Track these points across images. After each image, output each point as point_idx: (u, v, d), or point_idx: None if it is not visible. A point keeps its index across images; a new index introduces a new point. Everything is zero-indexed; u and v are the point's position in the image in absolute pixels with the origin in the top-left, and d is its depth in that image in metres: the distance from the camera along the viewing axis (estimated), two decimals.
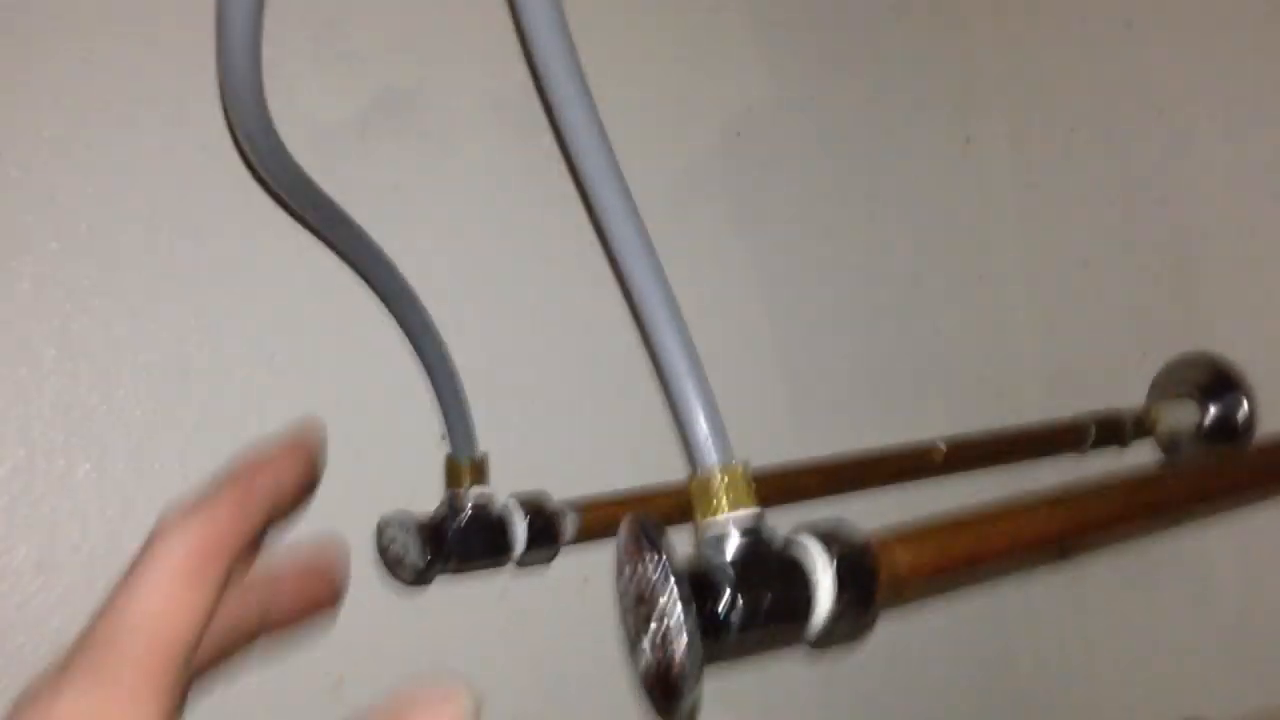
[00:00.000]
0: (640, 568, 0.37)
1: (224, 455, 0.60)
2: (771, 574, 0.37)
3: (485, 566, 0.59)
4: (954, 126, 0.93)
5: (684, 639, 0.35)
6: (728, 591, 0.37)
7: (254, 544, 0.37)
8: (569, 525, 0.60)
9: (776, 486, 0.67)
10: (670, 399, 0.38)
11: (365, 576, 0.61)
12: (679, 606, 0.35)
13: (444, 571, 0.57)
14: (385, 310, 0.59)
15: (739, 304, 0.81)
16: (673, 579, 0.36)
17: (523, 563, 0.60)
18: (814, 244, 0.85)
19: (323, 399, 0.63)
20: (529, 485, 0.61)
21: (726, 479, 0.38)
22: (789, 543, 0.39)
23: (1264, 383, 0.79)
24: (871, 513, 0.78)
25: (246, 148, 0.44)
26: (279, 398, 0.62)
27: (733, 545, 0.38)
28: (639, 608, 0.37)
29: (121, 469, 0.57)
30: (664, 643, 0.36)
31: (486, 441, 0.60)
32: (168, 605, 0.31)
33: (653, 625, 0.36)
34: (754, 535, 0.38)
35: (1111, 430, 0.78)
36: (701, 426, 0.38)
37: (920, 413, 0.87)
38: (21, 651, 0.53)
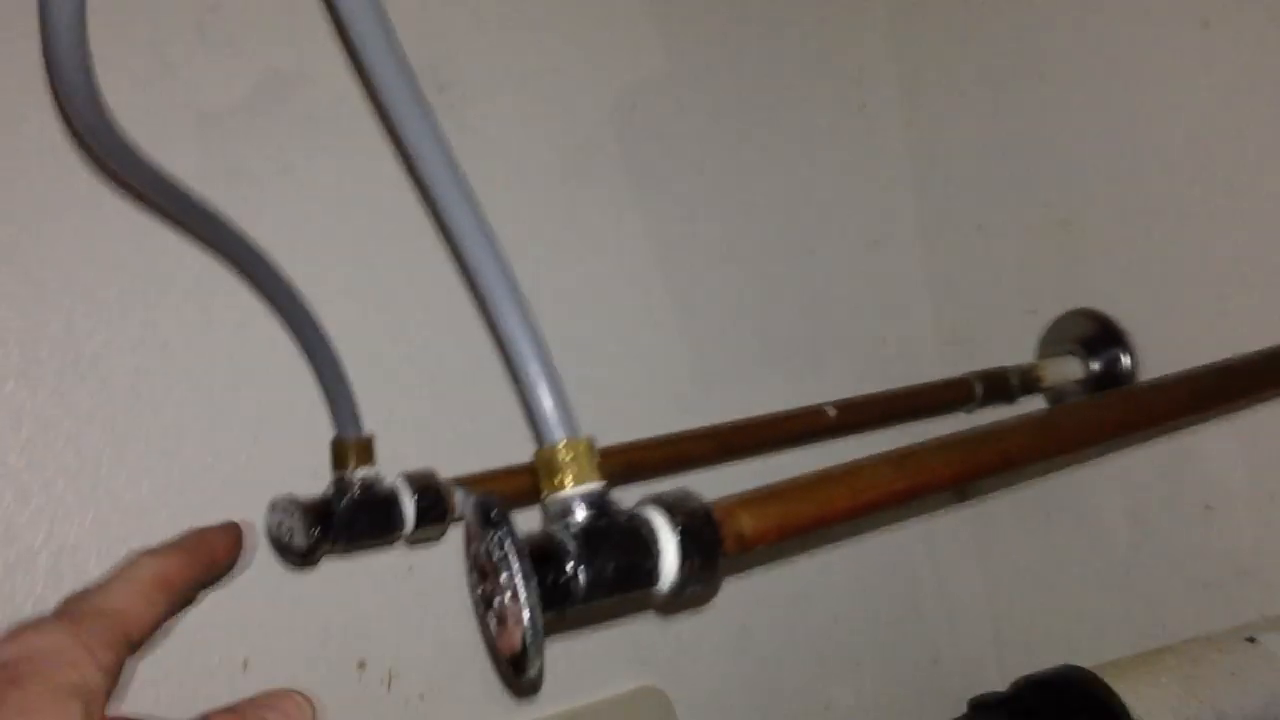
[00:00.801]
0: (484, 544, 0.38)
1: (112, 440, 0.61)
2: (615, 544, 0.39)
3: (375, 545, 0.60)
4: (848, 94, 0.94)
5: (526, 612, 0.36)
6: (570, 564, 0.38)
7: (191, 592, 0.47)
8: (458, 501, 0.62)
9: (668, 455, 0.69)
10: (515, 376, 0.39)
11: (269, 560, 0.62)
12: (520, 580, 0.37)
13: (331, 552, 0.58)
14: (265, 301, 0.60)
15: (637, 276, 0.82)
16: (514, 554, 0.37)
17: (413, 540, 0.61)
18: (710, 213, 0.86)
19: (214, 386, 0.64)
20: (418, 465, 0.62)
21: (571, 454, 0.40)
22: (633, 514, 0.40)
23: (1145, 337, 0.82)
24: (763, 478, 0.81)
25: (94, 145, 0.44)
26: (171, 387, 0.62)
27: (578, 518, 0.39)
28: (484, 583, 0.38)
29: (13, 460, 0.57)
30: (508, 615, 0.37)
31: (376, 426, 0.61)
32: (134, 605, 0.43)
33: (496, 599, 0.38)
34: (599, 508, 0.40)
35: (998, 387, 0.80)
36: (546, 402, 0.40)
37: (819, 378, 0.89)
38: None
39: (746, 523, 0.42)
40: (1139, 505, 0.84)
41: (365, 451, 0.60)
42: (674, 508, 0.41)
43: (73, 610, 0.41)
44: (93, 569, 0.57)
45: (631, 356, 0.82)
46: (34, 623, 0.40)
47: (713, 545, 0.40)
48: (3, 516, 0.57)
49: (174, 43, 0.64)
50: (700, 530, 0.40)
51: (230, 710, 0.41)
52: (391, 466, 0.61)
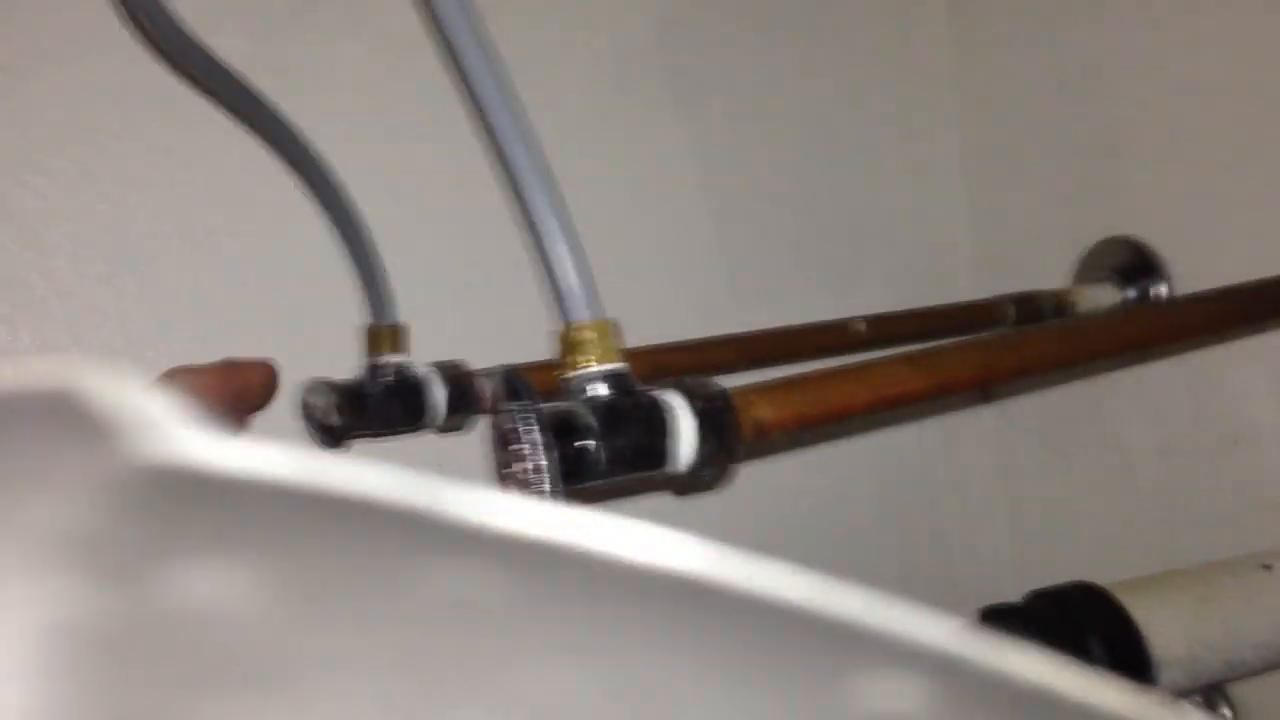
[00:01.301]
0: (508, 414, 0.39)
1: (159, 321, 0.62)
2: (635, 422, 0.40)
3: (404, 431, 0.62)
4: (895, 16, 0.93)
5: (546, 482, 0.38)
6: (590, 438, 0.39)
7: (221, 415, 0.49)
8: (489, 391, 0.63)
9: (693, 360, 0.70)
10: (541, 254, 0.40)
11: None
12: (542, 450, 0.38)
13: (363, 435, 0.60)
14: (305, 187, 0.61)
15: (677, 184, 0.82)
16: (536, 424, 0.38)
17: (443, 428, 0.63)
18: (752, 126, 0.86)
19: (255, 273, 0.65)
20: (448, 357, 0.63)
21: (594, 333, 0.40)
22: (653, 395, 0.41)
23: (1182, 266, 0.81)
24: None
25: (149, 27, 0.45)
26: (212, 271, 0.64)
27: (599, 395, 0.40)
28: (506, 450, 0.40)
29: (63, 340, 0.59)
30: (529, 485, 0.39)
31: (408, 316, 0.62)
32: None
33: (517, 468, 0.39)
34: (619, 387, 0.41)
35: (1031, 310, 0.80)
36: (572, 280, 0.40)
37: (853, 295, 0.89)
38: None
39: (765, 410, 0.43)
40: (1166, 435, 0.84)
41: (397, 339, 0.61)
42: (693, 391, 0.41)
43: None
44: None
45: (667, 263, 0.82)
46: None
47: (730, 429, 0.41)
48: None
49: None
50: (718, 414, 0.41)
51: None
52: (421, 357, 0.62)
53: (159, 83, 0.61)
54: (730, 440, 0.41)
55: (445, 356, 0.63)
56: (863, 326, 0.75)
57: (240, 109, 0.56)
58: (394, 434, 0.61)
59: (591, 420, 0.39)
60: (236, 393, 0.49)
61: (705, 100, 0.84)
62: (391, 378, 0.60)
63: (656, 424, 0.40)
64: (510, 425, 0.39)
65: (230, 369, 0.50)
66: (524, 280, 0.72)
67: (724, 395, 0.42)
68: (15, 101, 0.59)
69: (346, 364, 0.61)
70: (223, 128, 0.63)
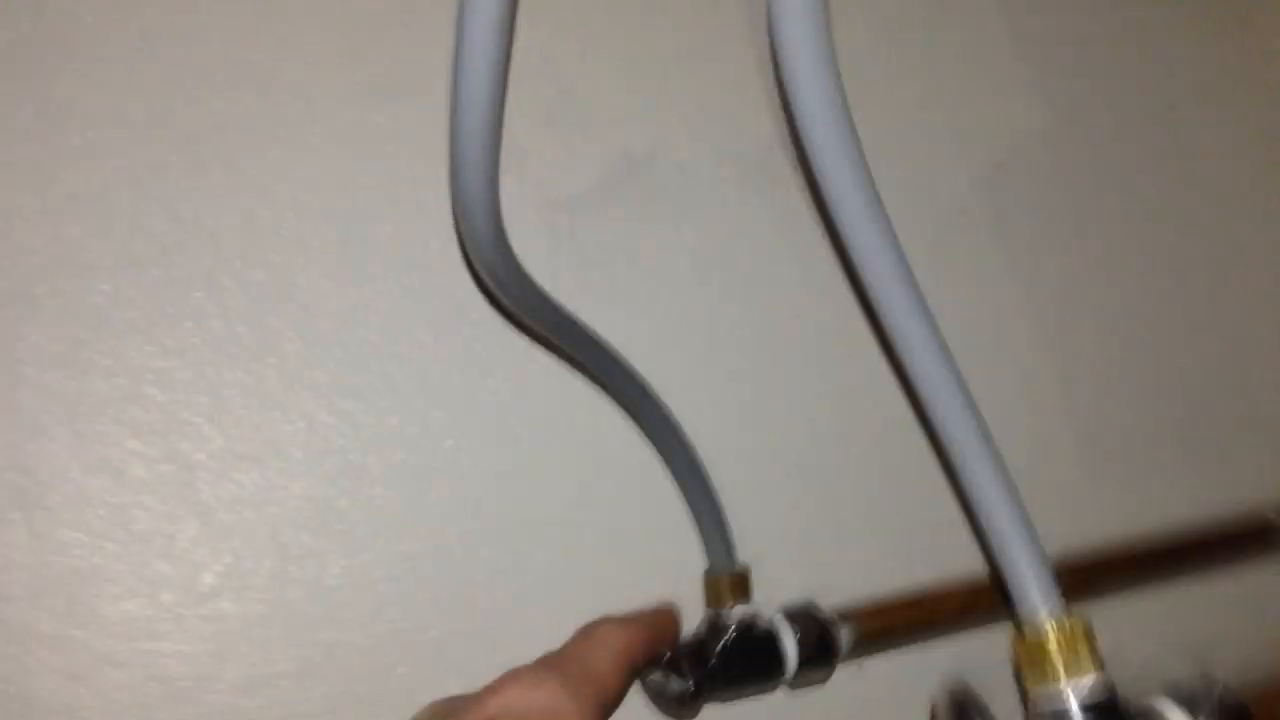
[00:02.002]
0: None
1: (466, 558, 0.57)
2: None
3: (754, 692, 0.53)
4: (1263, 127, 0.81)
5: None
6: None
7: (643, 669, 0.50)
8: (844, 638, 0.54)
9: (1076, 576, 0.59)
10: (987, 545, 0.31)
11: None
12: None
13: (711, 700, 0.52)
14: (629, 419, 0.55)
15: (1013, 348, 0.72)
16: None
17: (795, 684, 0.54)
18: (1095, 276, 0.75)
19: (576, 516, 0.59)
20: (793, 594, 0.55)
21: (1059, 639, 0.31)
22: (1145, 714, 0.31)
23: None
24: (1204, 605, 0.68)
25: (485, 276, 0.41)
26: (529, 492, 0.58)
27: None
28: None
29: (369, 558, 0.55)
30: None
31: (747, 554, 0.55)
32: (613, 674, 0.44)
33: None
34: (1100, 710, 0.31)
35: None
36: (1026, 575, 0.31)
37: (1233, 470, 0.75)
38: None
39: None
40: None
41: (742, 586, 0.53)
42: (1197, 704, 0.31)
43: (564, 668, 0.42)
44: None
45: (1009, 446, 0.71)
46: (528, 676, 0.41)
47: None
48: (362, 626, 0.54)
49: (523, 130, 0.61)
50: None
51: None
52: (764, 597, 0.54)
53: (471, 305, 0.58)
54: None
55: (790, 593, 0.55)
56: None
57: (565, 343, 0.51)
58: (742, 695, 0.53)
59: None
60: (656, 647, 0.49)
61: (1040, 250, 0.73)
62: (734, 631, 0.52)
63: None
64: None
65: (656, 623, 0.49)
66: (872, 501, 0.63)
67: (1243, 710, 0.31)
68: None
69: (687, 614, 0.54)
70: (533, 358, 0.58)
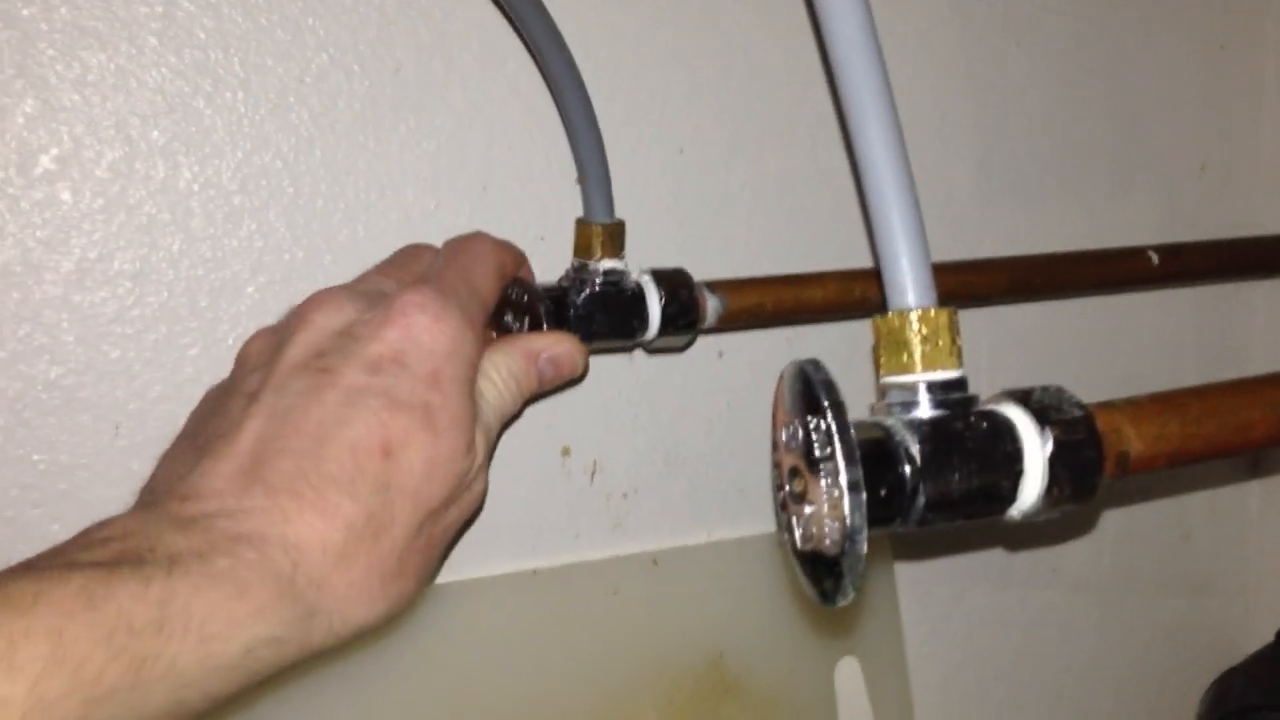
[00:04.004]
0: (801, 430, 0.29)
1: (328, 174, 0.53)
2: (967, 455, 0.29)
3: (611, 349, 0.52)
4: None
5: (847, 520, 0.28)
6: (909, 475, 0.29)
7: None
8: (710, 308, 0.53)
9: (953, 283, 0.58)
10: (869, 218, 0.29)
11: None
12: (847, 490, 0.28)
13: None
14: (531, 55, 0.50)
15: (931, 66, 0.68)
16: (843, 454, 0.28)
17: (653, 348, 0.53)
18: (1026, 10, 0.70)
19: (446, 126, 0.55)
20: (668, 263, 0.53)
21: (923, 328, 0.30)
22: (990, 415, 0.31)
23: None
24: (1056, 326, 0.69)
25: None
26: (399, 119, 0.54)
27: (921, 414, 0.30)
28: (796, 479, 0.30)
29: (227, 179, 0.50)
30: (823, 525, 0.29)
31: (625, 212, 0.52)
32: (490, 291, 0.43)
33: (809, 508, 0.29)
34: (949, 406, 0.30)
35: None
36: (903, 260, 0.29)
37: (1122, 207, 0.74)
38: (115, 365, 0.49)
39: (1134, 441, 0.32)
40: None
41: (615, 241, 0.51)
42: (1045, 412, 0.31)
43: (457, 291, 0.39)
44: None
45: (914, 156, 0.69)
46: (431, 304, 0.37)
47: (1090, 468, 0.31)
48: (211, 238, 0.50)
49: None
50: (1078, 447, 0.30)
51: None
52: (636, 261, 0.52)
53: None
54: (1086, 485, 0.31)
55: (663, 260, 0.53)
56: (1155, 259, 0.62)
57: None
58: (597, 350, 0.52)
59: (913, 449, 0.29)
60: (514, 273, 0.47)
61: None
62: (599, 284, 0.50)
63: (995, 459, 0.30)
64: (803, 444, 0.29)
65: (512, 250, 0.47)
66: (769, 191, 0.60)
67: (1087, 422, 0.31)
68: None
69: (540, 244, 0.52)
70: None
